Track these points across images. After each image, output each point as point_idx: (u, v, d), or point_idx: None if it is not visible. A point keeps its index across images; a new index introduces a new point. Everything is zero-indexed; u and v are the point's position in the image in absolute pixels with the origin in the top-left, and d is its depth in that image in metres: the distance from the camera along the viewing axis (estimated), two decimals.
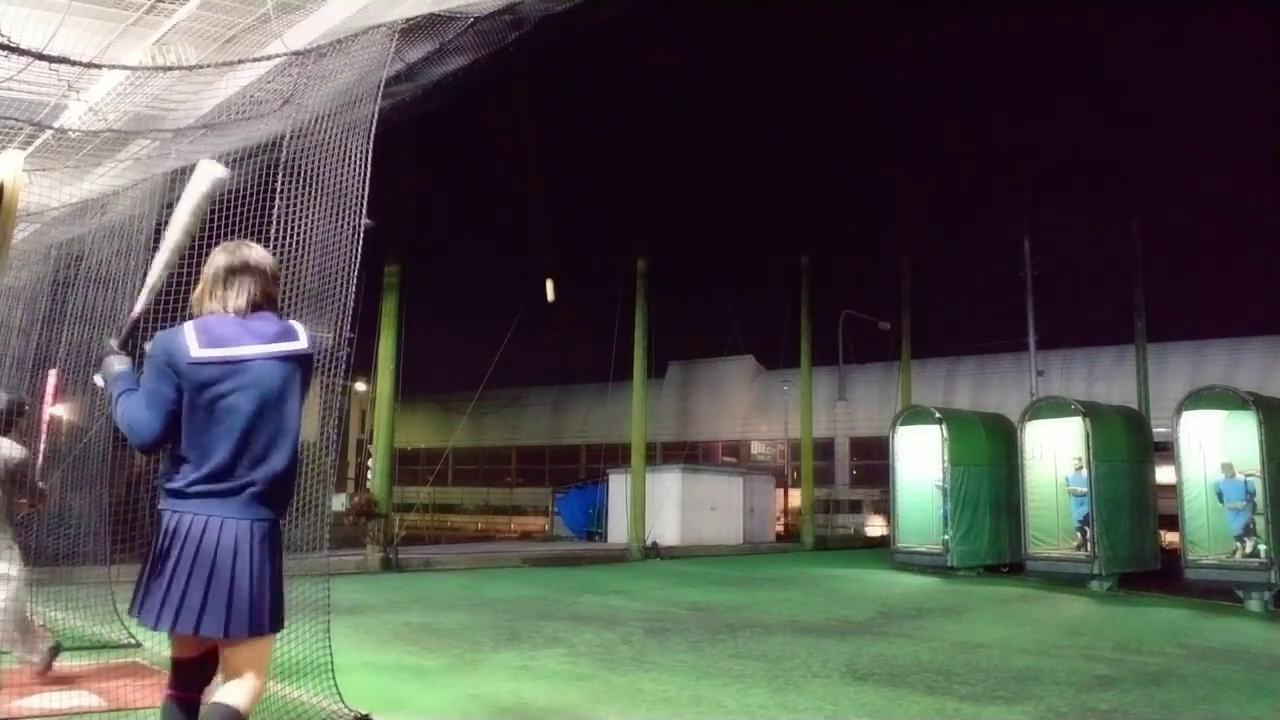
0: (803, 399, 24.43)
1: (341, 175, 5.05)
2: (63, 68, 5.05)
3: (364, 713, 4.83)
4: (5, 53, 4.60)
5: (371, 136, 5.07)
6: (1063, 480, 15.27)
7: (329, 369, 5.01)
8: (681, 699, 5.92)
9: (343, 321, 4.95)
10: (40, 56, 4.76)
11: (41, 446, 4.68)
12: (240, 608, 2.88)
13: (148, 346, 3.06)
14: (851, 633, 9.05)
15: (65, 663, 5.68)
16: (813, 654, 7.65)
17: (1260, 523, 12.56)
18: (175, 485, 2.93)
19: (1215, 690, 6.66)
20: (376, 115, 5.11)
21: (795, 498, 27.49)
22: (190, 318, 3.13)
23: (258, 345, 3.00)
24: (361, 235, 4.99)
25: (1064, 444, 15.18)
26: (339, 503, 17.80)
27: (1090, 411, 14.66)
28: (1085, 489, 14.39)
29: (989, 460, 16.33)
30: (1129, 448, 15.08)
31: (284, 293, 3.39)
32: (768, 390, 34.82)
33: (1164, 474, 14.86)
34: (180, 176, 6.56)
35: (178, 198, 3.55)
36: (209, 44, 5.97)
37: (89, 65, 5.36)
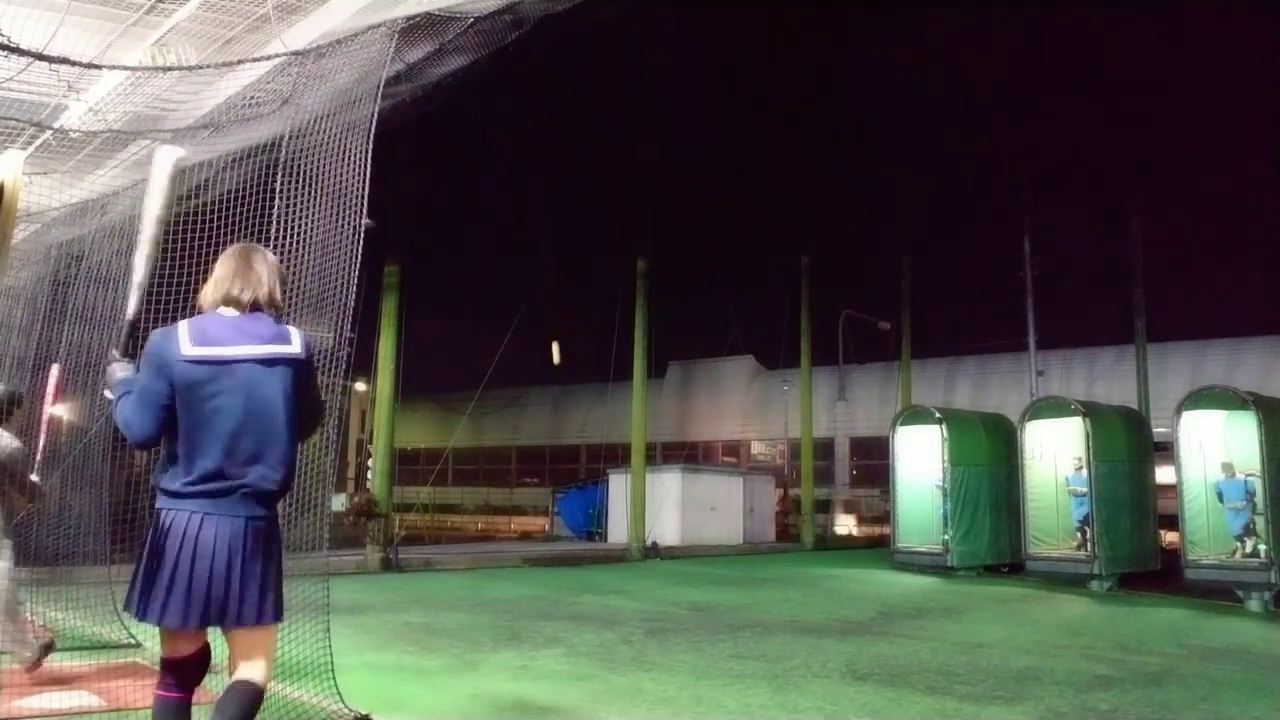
0: (803, 399, 24.42)
1: (341, 175, 5.05)
2: (63, 68, 5.05)
3: (364, 713, 4.83)
4: (5, 53, 4.61)
5: (371, 136, 5.07)
6: (1063, 480, 15.27)
7: (329, 369, 5.01)
8: (681, 699, 5.92)
9: (343, 321, 4.95)
10: (40, 57, 4.77)
11: (41, 443, 4.68)
12: (232, 602, 2.93)
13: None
14: (851, 633, 9.05)
15: (65, 663, 5.68)
16: (813, 654, 7.65)
17: (1260, 523, 12.56)
18: (170, 484, 2.98)
19: (1215, 690, 6.66)
20: (376, 115, 5.11)
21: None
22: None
23: (248, 346, 3.02)
24: (361, 235, 4.99)
25: (1064, 444, 15.18)
26: (339, 503, 17.82)
27: (1090, 411, 14.66)
28: (1085, 489, 14.39)
29: (989, 460, 16.32)
30: (1129, 448, 15.08)
31: (286, 296, 3.40)
32: (768, 390, 34.81)
33: (1164, 474, 14.86)
34: (180, 176, 6.56)
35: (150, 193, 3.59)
36: (209, 44, 5.97)
37: (89, 65, 5.36)
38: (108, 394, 3.19)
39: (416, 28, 5.35)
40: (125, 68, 5.81)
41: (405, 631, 8.39)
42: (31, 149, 6.37)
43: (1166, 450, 13.86)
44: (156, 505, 3.01)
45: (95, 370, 6.57)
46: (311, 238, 5.01)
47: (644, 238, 19.90)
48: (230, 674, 3.10)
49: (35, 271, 7.71)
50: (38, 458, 4.87)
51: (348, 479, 34.20)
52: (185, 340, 3.00)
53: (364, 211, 4.99)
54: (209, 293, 3.17)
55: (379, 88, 5.19)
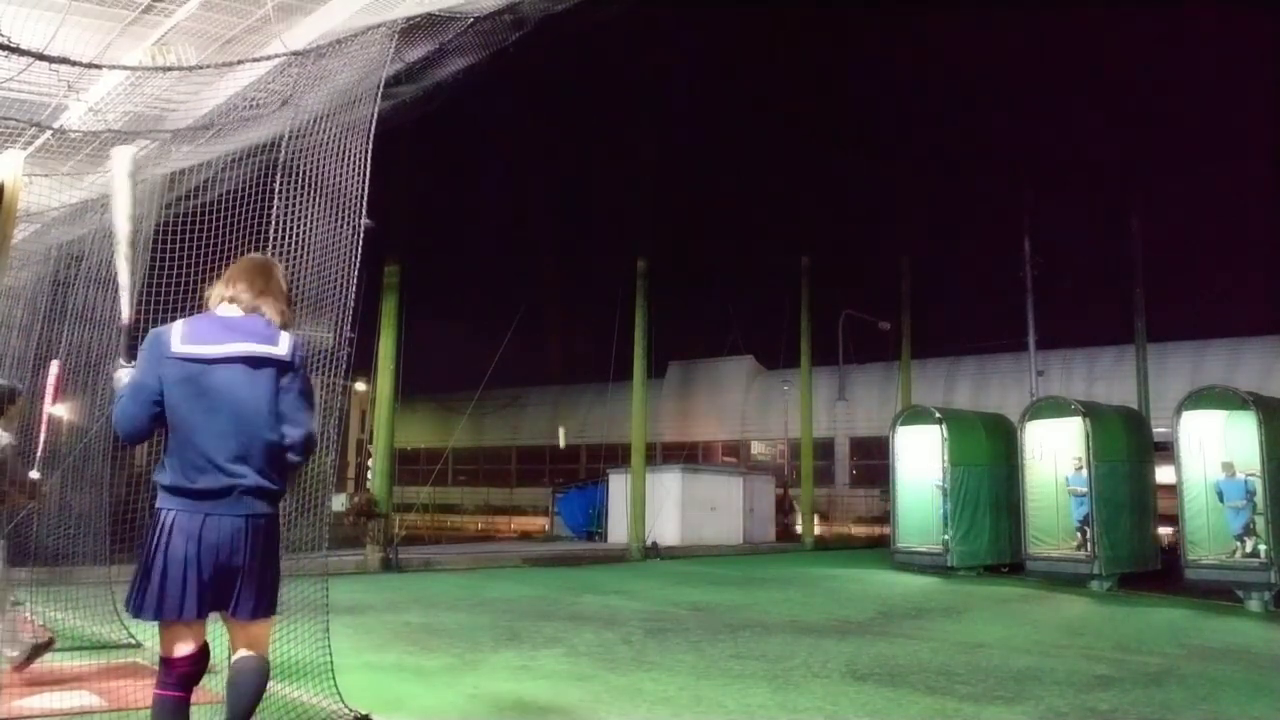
0: (803, 399, 24.42)
1: (341, 176, 5.06)
2: (63, 68, 5.05)
3: (364, 713, 4.83)
4: (5, 53, 4.61)
5: (371, 136, 5.07)
6: (1063, 480, 15.27)
7: (329, 369, 5.01)
8: (681, 699, 5.92)
9: (343, 321, 4.95)
10: (40, 56, 4.77)
11: (42, 439, 4.68)
12: (226, 598, 3.01)
13: None
14: (851, 633, 9.05)
15: (65, 663, 5.68)
16: (813, 654, 7.65)
17: (1260, 522, 12.56)
18: (164, 482, 3.05)
19: (1215, 690, 6.66)
20: (376, 115, 5.11)
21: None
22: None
23: (236, 344, 3.07)
24: (361, 235, 4.99)
25: (1064, 444, 15.18)
26: (339, 503, 17.81)
27: (1090, 411, 14.65)
28: (1085, 489, 14.39)
29: (989, 460, 16.32)
30: (1129, 448, 15.07)
31: (292, 312, 3.44)
32: (768, 390, 34.81)
33: (1164, 474, 14.86)
34: (179, 177, 6.57)
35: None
36: (209, 44, 5.97)
37: (89, 65, 5.36)
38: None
39: (416, 28, 5.35)
40: (125, 68, 5.81)
41: (405, 631, 8.39)
42: (31, 149, 6.37)
43: (1166, 450, 13.86)
44: (156, 504, 3.04)
45: (95, 370, 6.57)
46: (311, 238, 5.01)
47: (644, 238, 19.90)
48: (231, 660, 3.23)
49: (35, 271, 7.71)
50: (39, 454, 4.87)
51: (348, 479, 34.19)
52: (176, 338, 3.07)
53: (364, 211, 5.00)
54: (215, 291, 3.26)
55: (379, 88, 5.20)
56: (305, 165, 5.16)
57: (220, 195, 5.75)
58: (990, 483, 16.13)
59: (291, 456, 3.13)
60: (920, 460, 16.78)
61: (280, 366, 3.10)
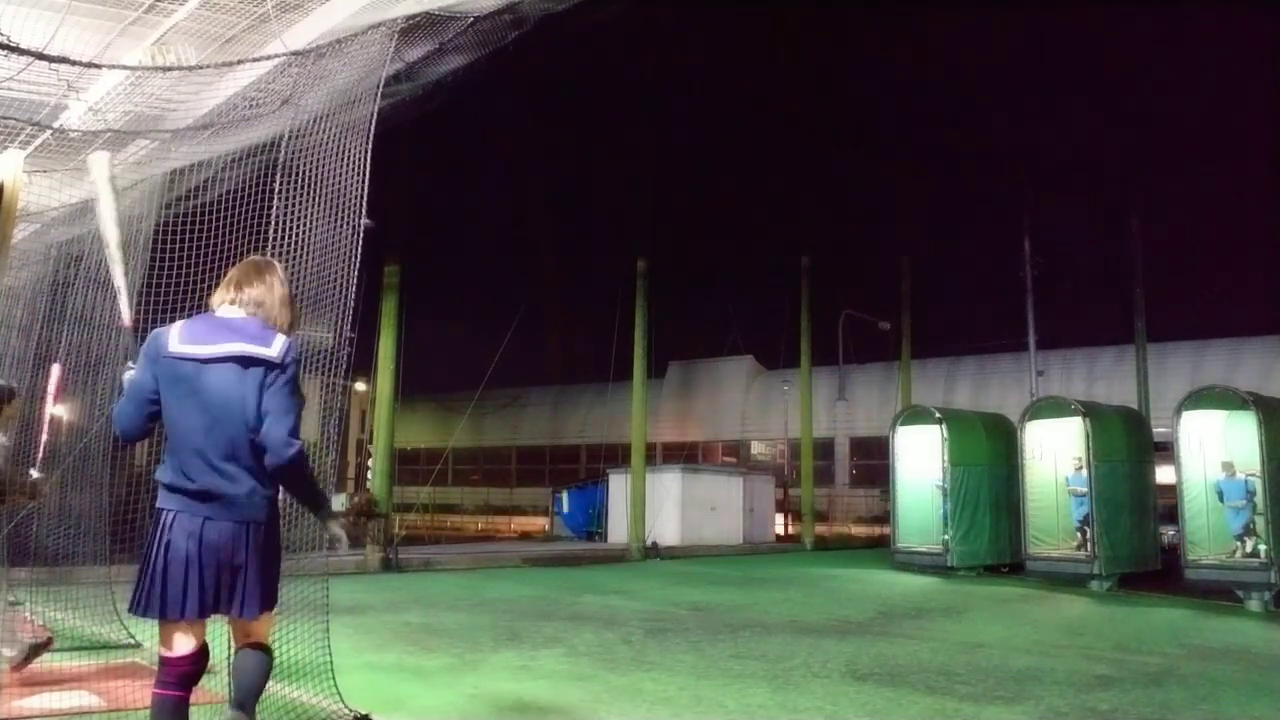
0: (803, 399, 24.42)
1: (341, 175, 5.05)
2: (62, 67, 5.05)
3: (364, 713, 4.83)
4: (5, 53, 4.61)
5: (371, 136, 5.07)
6: (1063, 480, 15.26)
7: (329, 369, 5.01)
8: (681, 699, 5.92)
9: (343, 321, 4.95)
10: (40, 56, 4.77)
11: (43, 439, 4.69)
12: (224, 596, 3.03)
13: None
14: (851, 633, 9.05)
15: (65, 663, 5.68)
16: (813, 654, 7.65)
17: (1260, 523, 12.56)
18: (164, 480, 3.08)
19: (1215, 690, 6.66)
20: (376, 115, 5.11)
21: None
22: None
23: (228, 344, 3.09)
24: (361, 235, 4.99)
25: (1064, 444, 15.17)
26: (339, 503, 17.78)
27: (1090, 411, 14.65)
28: (1085, 489, 14.38)
29: (989, 460, 16.32)
30: (1129, 448, 15.07)
31: (293, 315, 3.45)
32: (768, 390, 34.81)
33: (1164, 474, 14.85)
34: (179, 177, 6.57)
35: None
36: (209, 44, 5.97)
37: (89, 65, 5.36)
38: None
39: (416, 27, 5.35)
40: (125, 67, 5.80)
41: (405, 631, 8.39)
42: (31, 149, 6.37)
43: (1166, 450, 13.86)
44: (157, 503, 3.07)
45: (94, 371, 6.57)
46: (311, 238, 5.01)
47: (644, 238, 19.90)
48: (232, 653, 3.29)
49: (35, 271, 7.71)
50: (40, 455, 4.86)
51: (348, 479, 34.18)
52: (174, 338, 3.11)
53: (364, 211, 5.00)
54: (217, 293, 3.30)
55: (379, 87, 5.19)
56: (305, 165, 5.16)
57: (220, 195, 5.75)
58: (990, 483, 16.13)
59: (268, 459, 3.04)
60: (920, 460, 16.78)
61: (268, 367, 3.10)
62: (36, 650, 5.43)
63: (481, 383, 22.65)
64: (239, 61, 5.68)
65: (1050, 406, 15.59)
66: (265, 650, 3.28)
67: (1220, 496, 13.10)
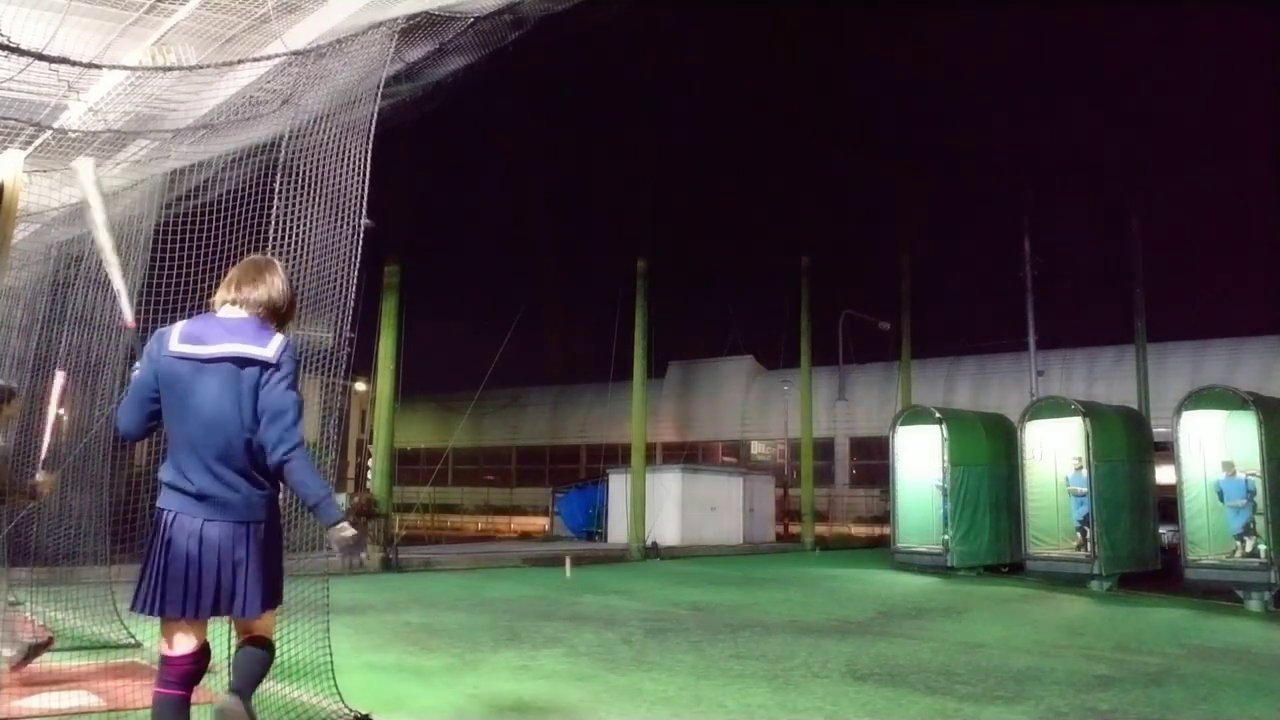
0: (803, 399, 24.42)
1: (341, 175, 5.05)
2: (63, 68, 5.05)
3: (364, 713, 4.83)
4: (5, 53, 4.61)
5: (371, 136, 5.07)
6: (1063, 480, 15.26)
7: (329, 369, 5.01)
8: (681, 699, 5.92)
9: (343, 321, 4.95)
10: (40, 56, 4.77)
11: (46, 442, 4.69)
12: (224, 596, 3.03)
13: None
14: (851, 633, 9.05)
15: (65, 663, 5.68)
16: (813, 654, 7.65)
17: (1260, 522, 12.56)
18: (165, 479, 3.10)
19: (1215, 690, 6.66)
20: (376, 115, 5.11)
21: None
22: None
23: (224, 345, 3.10)
24: (361, 235, 4.99)
25: (1064, 444, 15.17)
26: (339, 503, 17.77)
27: (1090, 411, 14.65)
28: (1085, 489, 14.38)
29: (989, 460, 16.33)
30: (1129, 448, 15.07)
31: (294, 313, 3.46)
32: (768, 390, 34.81)
33: (1164, 474, 14.85)
34: (179, 177, 6.57)
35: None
36: (209, 44, 5.97)
37: (89, 65, 5.36)
38: None
39: (416, 28, 5.35)
40: (125, 68, 5.80)
41: (405, 631, 8.39)
42: (31, 149, 6.37)
43: (1166, 450, 13.86)
44: (158, 503, 3.07)
45: (94, 371, 6.57)
46: (311, 238, 5.01)
47: (644, 238, 19.90)
48: (233, 652, 3.29)
49: (35, 272, 7.71)
50: (42, 456, 4.86)
51: (348, 479, 34.18)
52: (174, 337, 3.13)
53: (364, 211, 5.00)
54: (219, 292, 3.30)
55: (379, 88, 5.20)
56: (305, 165, 5.16)
57: (220, 195, 5.75)
58: (990, 483, 16.13)
59: (270, 458, 3.03)
60: (920, 460, 16.78)
61: (263, 367, 3.11)
62: (37, 650, 5.43)
63: (481, 383, 22.66)
64: (239, 61, 5.68)
65: (1050, 406, 15.59)
66: (267, 644, 3.30)
67: (1220, 496, 13.11)
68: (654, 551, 18.96)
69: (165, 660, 3.09)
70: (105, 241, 3.68)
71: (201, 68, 5.83)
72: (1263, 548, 12.34)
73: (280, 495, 3.26)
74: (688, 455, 33.70)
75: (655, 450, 32.53)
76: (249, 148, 6.01)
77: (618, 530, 21.35)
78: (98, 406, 6.50)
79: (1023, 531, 14.95)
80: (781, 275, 26.37)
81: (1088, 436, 14.29)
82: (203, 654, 3.13)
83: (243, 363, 3.07)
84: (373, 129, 5.08)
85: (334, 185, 5.05)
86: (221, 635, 3.48)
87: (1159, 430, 16.39)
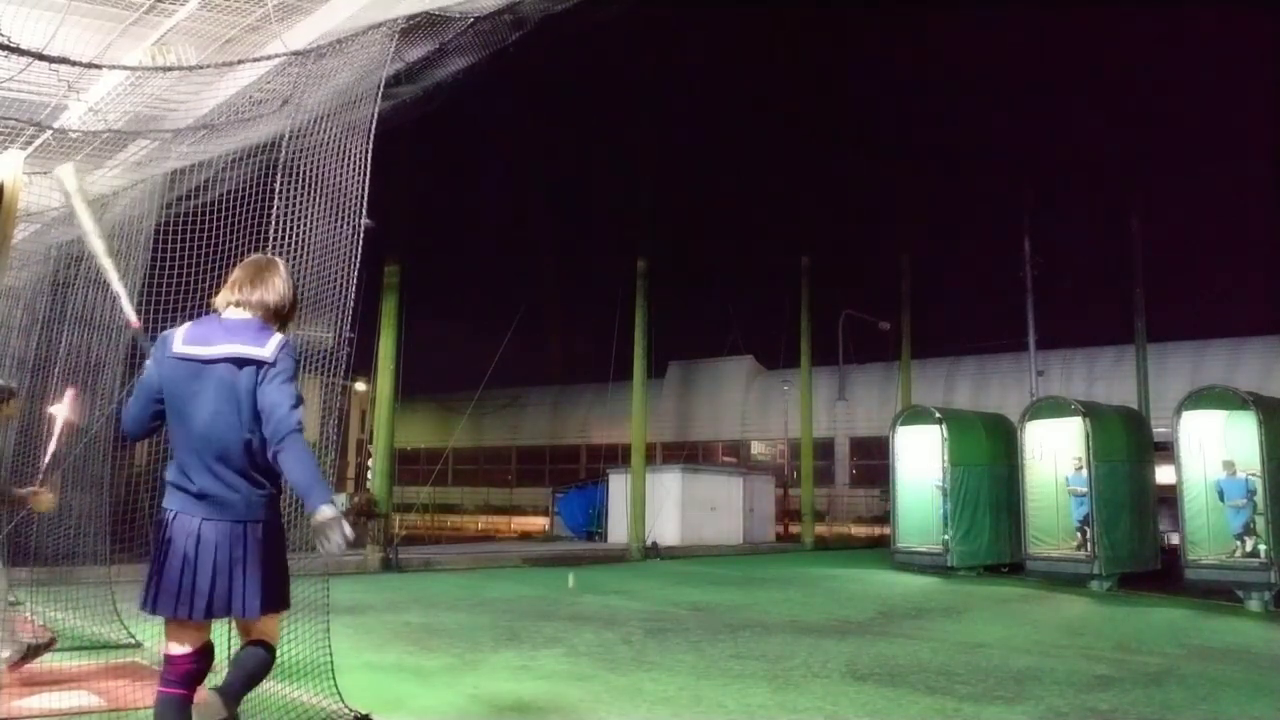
0: (803, 399, 24.42)
1: (341, 175, 5.05)
2: (63, 68, 5.05)
3: (364, 713, 4.83)
4: (5, 53, 4.61)
5: (371, 136, 5.07)
6: (1063, 480, 15.27)
7: (329, 369, 5.01)
8: (681, 699, 5.92)
9: (343, 321, 4.95)
10: (40, 56, 4.77)
11: (51, 449, 4.69)
12: (219, 598, 3.03)
13: None
14: (851, 633, 9.05)
15: (65, 663, 5.68)
16: (813, 654, 7.65)
17: (1260, 522, 12.57)
18: (168, 478, 3.12)
19: (1215, 690, 6.66)
20: (376, 115, 5.11)
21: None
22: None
23: (223, 345, 3.12)
24: (361, 235, 4.99)
25: (1064, 444, 15.17)
26: (339, 503, 17.79)
27: (1090, 411, 14.65)
28: (1085, 489, 14.39)
29: (989, 460, 16.33)
30: (1129, 448, 15.07)
31: (296, 313, 3.46)
32: (768, 390, 34.81)
33: (1164, 474, 14.85)
34: (179, 177, 6.57)
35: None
36: (209, 44, 5.97)
37: (89, 65, 5.36)
38: None
39: (416, 28, 5.35)
40: (125, 68, 5.80)
41: (405, 631, 8.39)
42: (31, 149, 6.37)
43: (1166, 450, 13.86)
44: (162, 503, 3.12)
45: (95, 371, 6.57)
46: (311, 238, 5.01)
47: (644, 238, 19.89)
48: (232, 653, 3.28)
49: (35, 272, 7.71)
50: (46, 459, 4.86)
51: (348, 479, 34.19)
52: (178, 338, 3.16)
53: (364, 211, 5.00)
54: (222, 293, 3.32)
55: (379, 88, 5.20)
56: (305, 165, 5.16)
57: (220, 195, 5.75)
58: (990, 483, 16.13)
59: (272, 447, 3.01)
60: (920, 460, 16.78)
61: (260, 366, 3.12)
62: (36, 650, 5.43)
63: (481, 383, 22.65)
64: (239, 61, 5.68)
65: (1050, 406, 15.60)
66: (266, 647, 3.27)
67: (1221, 495, 13.11)
68: (654, 551, 18.95)
69: (167, 659, 3.11)
70: (98, 246, 3.71)
71: (201, 68, 5.83)
72: (1263, 548, 12.35)
73: (282, 496, 3.27)
74: (688, 455, 33.70)
75: (655, 450, 32.51)
76: (249, 148, 6.02)
77: (618, 530, 21.35)
78: (98, 406, 6.50)
79: (1023, 531, 14.95)
80: (781, 275, 26.38)
81: (1088, 436, 14.29)
82: (205, 654, 3.15)
83: (241, 363, 3.09)
84: (373, 129, 5.08)
85: (334, 185, 5.05)
86: (222, 636, 3.48)
87: (1159, 430, 16.39)
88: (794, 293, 24.70)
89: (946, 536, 15.78)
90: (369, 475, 20.74)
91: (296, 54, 5.51)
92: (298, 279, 4.79)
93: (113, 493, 6.66)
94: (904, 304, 25.42)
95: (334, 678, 4.91)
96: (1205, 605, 11.83)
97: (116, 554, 6.68)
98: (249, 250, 4.74)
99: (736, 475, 25.20)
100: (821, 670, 6.96)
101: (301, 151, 5.23)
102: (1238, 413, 13.17)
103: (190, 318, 3.30)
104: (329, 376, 5.01)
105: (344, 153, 5.09)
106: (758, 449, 35.93)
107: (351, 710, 4.82)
